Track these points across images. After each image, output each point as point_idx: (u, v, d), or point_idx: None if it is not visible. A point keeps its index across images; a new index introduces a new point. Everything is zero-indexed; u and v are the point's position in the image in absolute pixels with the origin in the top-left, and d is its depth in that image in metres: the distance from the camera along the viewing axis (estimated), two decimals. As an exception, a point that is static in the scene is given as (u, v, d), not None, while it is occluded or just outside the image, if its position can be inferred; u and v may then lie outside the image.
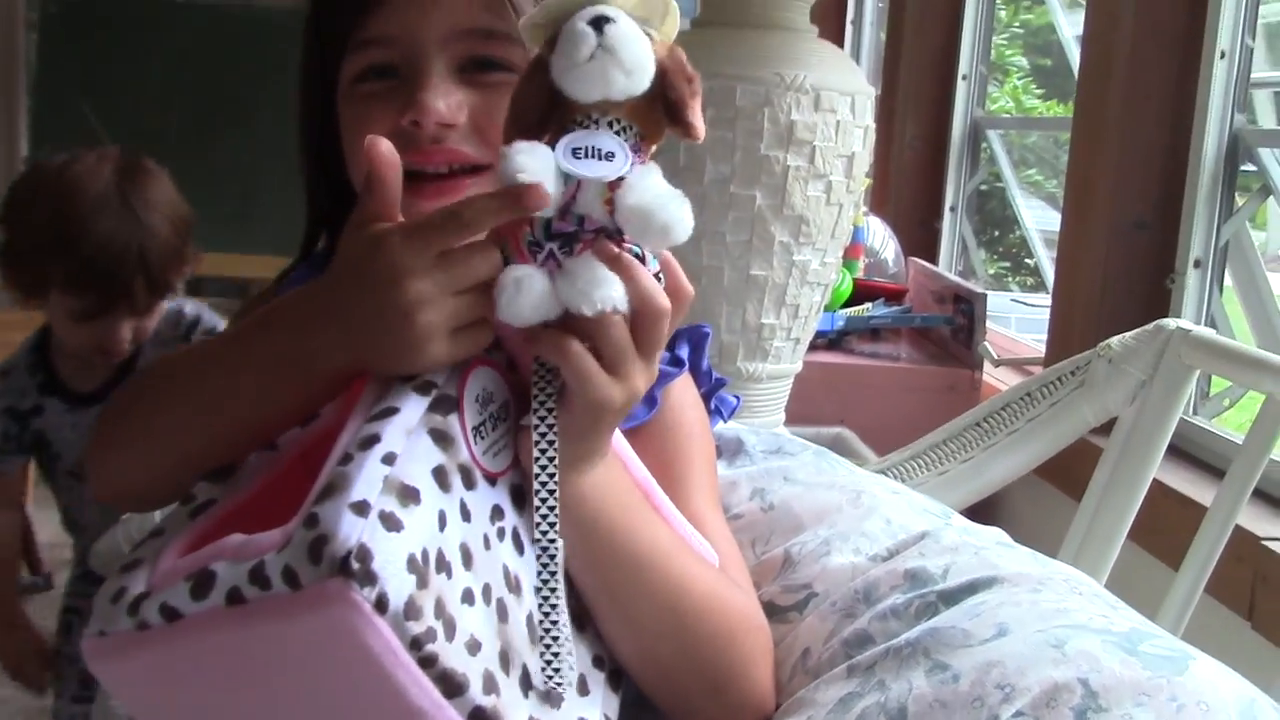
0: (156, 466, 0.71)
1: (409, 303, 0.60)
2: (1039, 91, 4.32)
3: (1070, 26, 2.75)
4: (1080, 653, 0.66)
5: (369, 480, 0.57)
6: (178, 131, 3.32)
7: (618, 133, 0.62)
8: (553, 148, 0.61)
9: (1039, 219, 3.28)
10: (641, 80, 0.61)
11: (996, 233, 4.04)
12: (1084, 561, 1.27)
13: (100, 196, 1.57)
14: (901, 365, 2.25)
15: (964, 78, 2.90)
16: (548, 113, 0.62)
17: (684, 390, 0.85)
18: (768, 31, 1.63)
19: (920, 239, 2.92)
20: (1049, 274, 2.72)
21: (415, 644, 0.56)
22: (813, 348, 2.17)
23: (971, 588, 0.75)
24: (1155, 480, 1.31)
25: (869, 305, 2.40)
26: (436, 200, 0.72)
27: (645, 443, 0.80)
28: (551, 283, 0.61)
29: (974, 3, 2.89)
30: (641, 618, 0.69)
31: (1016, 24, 4.06)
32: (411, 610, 0.55)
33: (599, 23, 0.60)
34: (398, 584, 0.55)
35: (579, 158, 0.60)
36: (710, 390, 0.89)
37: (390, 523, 0.56)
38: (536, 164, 0.60)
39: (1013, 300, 3.18)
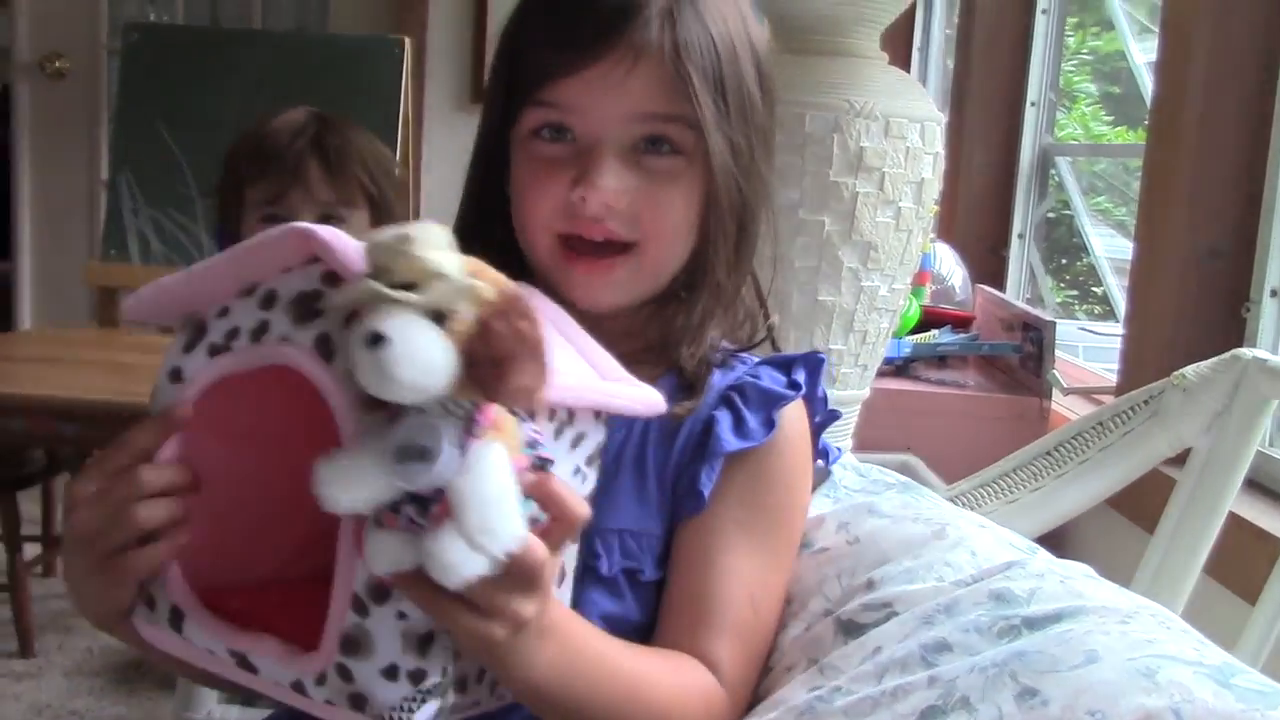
0: None
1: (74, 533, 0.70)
2: (1108, 118, 4.29)
3: (1141, 53, 2.73)
4: (1172, 682, 0.66)
5: (391, 642, 0.64)
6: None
7: (450, 413, 0.59)
8: (389, 424, 0.59)
9: (1108, 246, 3.24)
10: (434, 382, 0.57)
11: (1063, 260, 4.01)
12: (1157, 595, 1.26)
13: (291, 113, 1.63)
14: (969, 393, 2.23)
15: (1033, 104, 2.88)
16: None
17: (795, 418, 0.87)
18: (837, 58, 1.63)
19: (988, 266, 2.90)
20: (1118, 302, 2.69)
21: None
22: (879, 374, 2.16)
23: (1057, 616, 0.75)
24: (1231, 513, 1.29)
25: (936, 332, 2.39)
26: (587, 272, 0.81)
27: (748, 466, 0.83)
28: (414, 542, 0.59)
29: (1043, 29, 2.88)
30: None
31: (1085, 50, 4.03)
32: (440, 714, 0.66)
33: (374, 340, 0.56)
34: (427, 713, 0.65)
35: (400, 460, 0.58)
36: (824, 420, 0.91)
37: (416, 678, 0.65)
38: (346, 474, 0.59)
39: (1080, 329, 3.15)
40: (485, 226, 0.86)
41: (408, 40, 3.41)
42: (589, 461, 0.79)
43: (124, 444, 0.69)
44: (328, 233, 0.66)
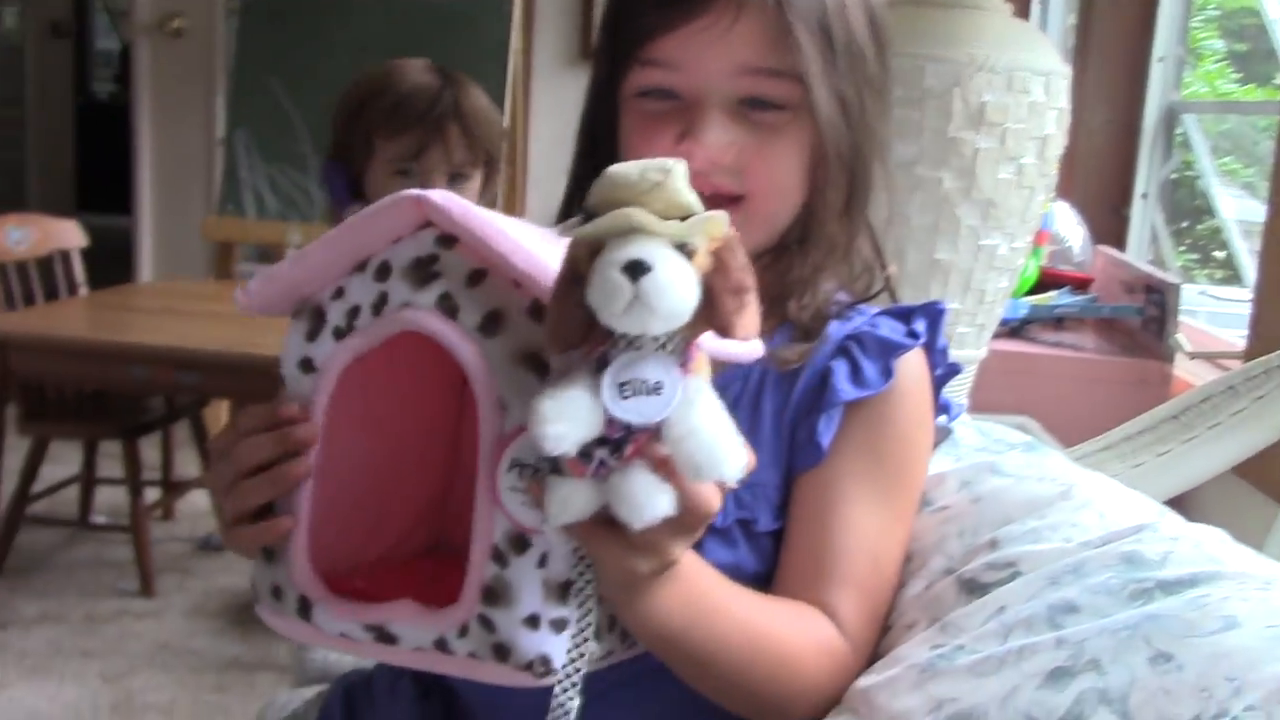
0: None
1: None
2: (1235, 76, 4.14)
3: (1273, 7, 2.61)
4: None
5: (532, 592, 0.64)
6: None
7: (663, 347, 0.58)
8: (595, 363, 0.58)
9: (1235, 208, 3.13)
10: (685, 312, 0.57)
11: (1185, 223, 3.89)
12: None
13: (417, 67, 1.66)
14: (1087, 356, 2.17)
15: (1160, 59, 2.78)
16: (589, 328, 0.59)
17: (914, 367, 0.85)
18: (958, 10, 1.59)
19: (1109, 226, 2.82)
20: (1244, 267, 2.60)
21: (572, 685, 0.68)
22: (995, 335, 2.12)
23: (1193, 580, 0.73)
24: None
25: (1054, 293, 2.33)
26: None
27: (867, 416, 0.82)
28: (598, 486, 0.60)
29: (1171, -18, 2.78)
30: (706, 686, 0.74)
31: (1212, 6, 3.89)
32: (575, 662, 0.67)
33: (634, 269, 0.55)
34: (565, 663, 0.66)
35: (625, 395, 0.58)
36: (945, 373, 0.88)
37: (558, 626, 0.65)
38: (564, 410, 0.58)
39: (1201, 293, 3.05)
40: None
41: (517, 1, 3.42)
42: None
43: (263, 414, 0.69)
44: (440, 196, 0.65)
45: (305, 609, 0.69)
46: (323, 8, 3.56)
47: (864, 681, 0.79)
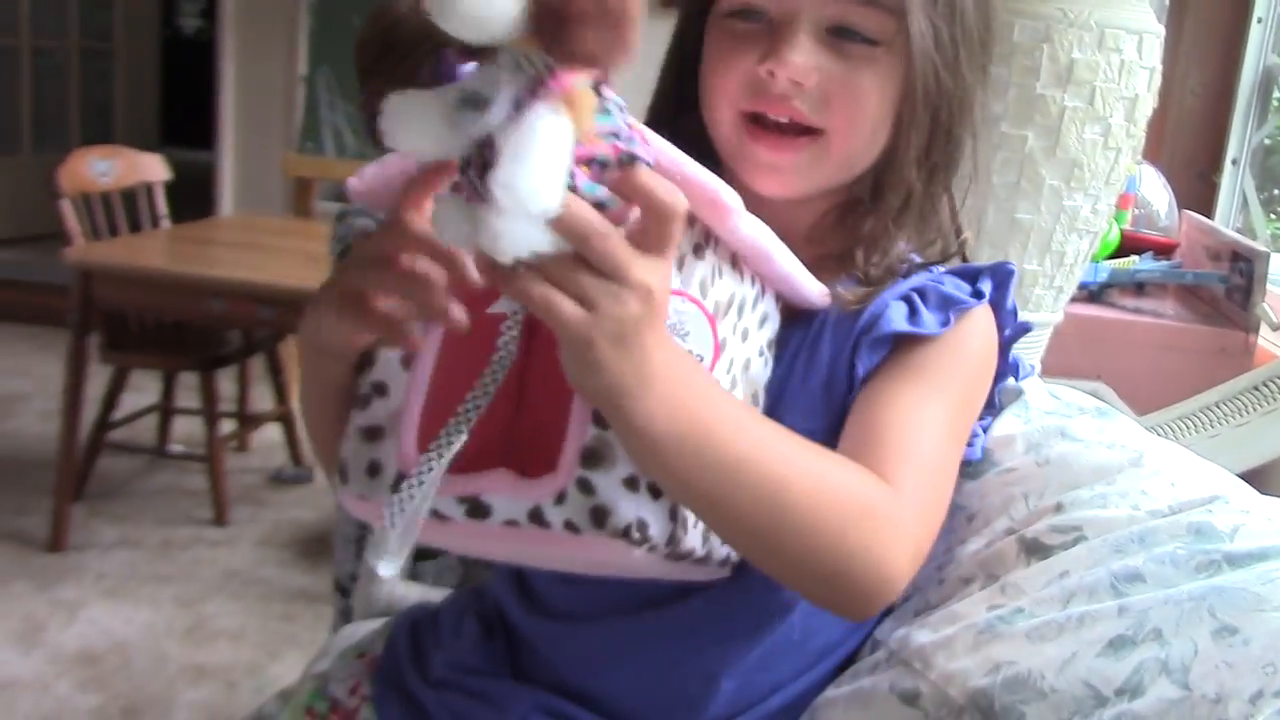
0: (327, 435, 0.77)
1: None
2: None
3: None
4: None
5: None
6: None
7: (517, 69, 0.54)
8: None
9: (1328, 178, 3.04)
10: (495, 16, 0.52)
11: (1276, 191, 3.78)
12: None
13: None
14: (1167, 322, 2.13)
15: (1259, 20, 2.69)
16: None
17: (978, 325, 0.82)
18: (1052, -36, 1.55)
19: (1196, 192, 2.74)
20: (1338, 236, 2.52)
21: (672, 553, 0.67)
22: (1073, 299, 2.08)
23: (1263, 554, 0.71)
24: None
25: (1136, 258, 2.27)
26: (771, 152, 0.79)
27: (919, 355, 0.78)
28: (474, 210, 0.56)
29: (1276, -61, 2.68)
30: (737, 518, 0.66)
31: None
32: (672, 542, 0.66)
33: None
34: (661, 531, 0.65)
35: (460, 108, 0.55)
36: (1014, 333, 0.86)
37: (655, 491, 0.65)
38: (408, 119, 0.56)
39: (1290, 264, 2.96)
40: (678, 117, 0.85)
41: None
42: (769, 345, 0.78)
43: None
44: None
45: (399, 487, 0.66)
46: (406, -53, 3.57)
47: (920, 637, 0.79)
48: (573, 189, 0.55)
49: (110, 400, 2.94)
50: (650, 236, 0.58)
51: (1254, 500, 0.80)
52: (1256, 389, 1.27)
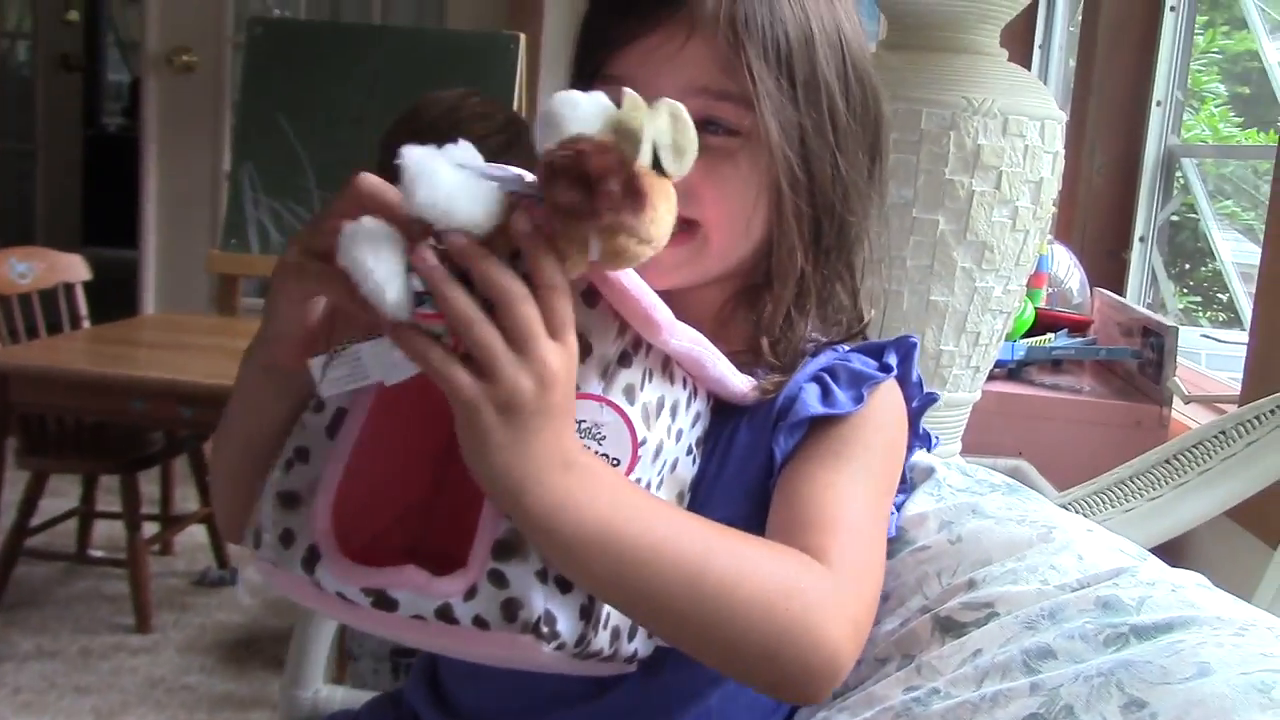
0: (239, 496, 0.78)
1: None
2: (1237, 120, 4.16)
3: (1275, 52, 2.63)
4: None
5: None
6: (370, 147, 3.45)
7: (526, 182, 0.61)
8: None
9: (1236, 251, 3.14)
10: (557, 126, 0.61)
11: (1187, 265, 3.90)
12: (1280, 610, 1.21)
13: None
14: (1084, 398, 2.17)
15: (1158, 104, 2.80)
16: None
17: (887, 398, 0.83)
18: (955, 55, 1.60)
19: (1107, 269, 2.82)
20: (1245, 310, 2.60)
21: (581, 653, 0.68)
22: (991, 377, 2.12)
23: (1168, 626, 0.72)
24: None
25: (1051, 336, 2.33)
26: None
27: (829, 430, 0.79)
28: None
29: (1171, 26, 2.79)
30: (656, 609, 0.66)
31: (1214, 50, 3.91)
32: (581, 642, 0.67)
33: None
34: (570, 630, 0.66)
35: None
36: (921, 405, 0.88)
37: (563, 584, 0.65)
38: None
39: (1203, 336, 3.06)
40: None
41: (523, 36, 3.45)
42: (698, 443, 0.79)
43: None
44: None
45: (311, 561, 0.68)
46: (328, 43, 3.60)
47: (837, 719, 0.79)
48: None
49: (28, 505, 2.87)
50: (550, 316, 0.60)
51: (1159, 572, 0.81)
52: (1168, 462, 1.30)
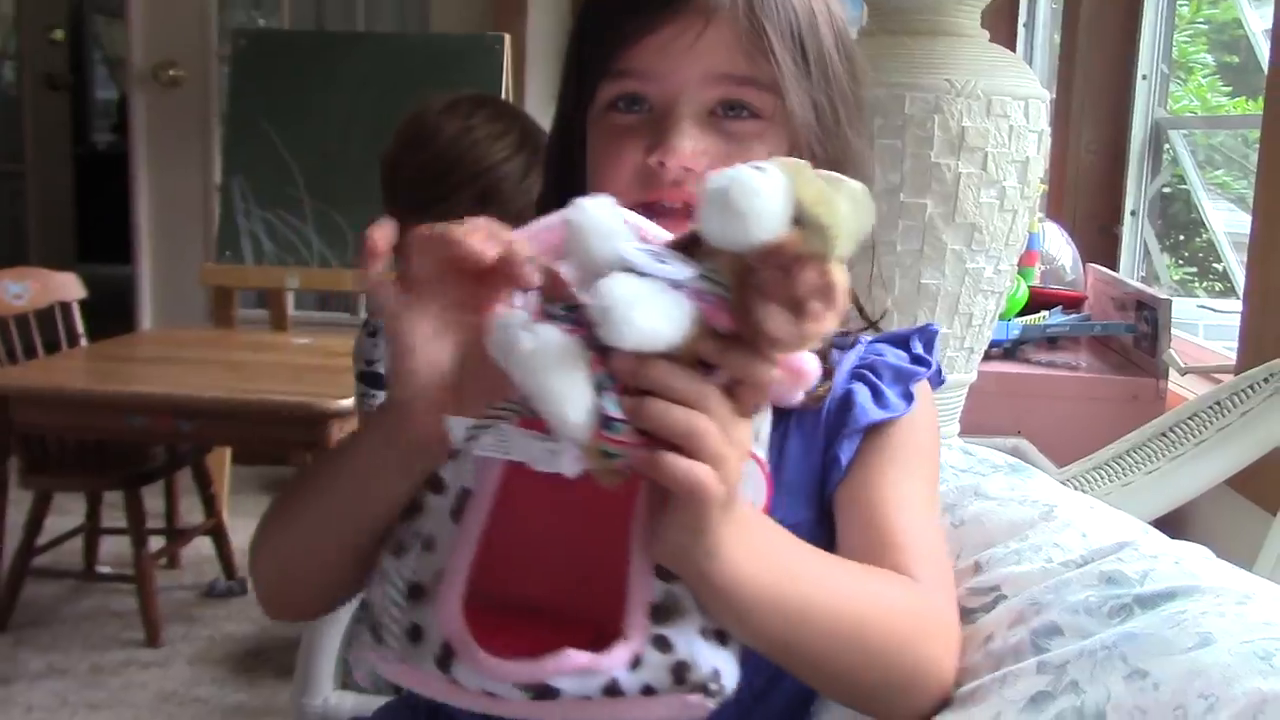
0: (310, 573, 0.76)
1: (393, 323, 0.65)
2: (1225, 89, 4.16)
3: (1259, 20, 2.63)
4: None
5: (695, 603, 0.64)
6: (359, 154, 3.45)
7: (699, 273, 0.57)
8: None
9: (1228, 221, 3.15)
10: (742, 226, 0.55)
11: (1182, 237, 3.90)
12: (1281, 577, 1.22)
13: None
14: (1081, 374, 2.18)
15: (1144, 78, 2.80)
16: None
17: (925, 393, 0.86)
18: (936, 38, 1.61)
19: (1100, 245, 2.83)
20: (1239, 278, 2.60)
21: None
22: (988, 357, 2.12)
23: (1171, 594, 0.73)
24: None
25: (1045, 313, 2.33)
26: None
27: (889, 438, 0.82)
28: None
29: (1155, 1, 2.80)
30: (815, 655, 0.69)
31: (1200, 19, 3.91)
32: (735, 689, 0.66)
33: (750, 172, 0.57)
34: (732, 680, 0.65)
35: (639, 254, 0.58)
36: (936, 388, 0.90)
37: (722, 637, 0.65)
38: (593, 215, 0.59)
39: (1199, 306, 3.07)
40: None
41: (508, 37, 3.45)
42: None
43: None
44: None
45: (445, 660, 0.63)
46: (313, 52, 3.60)
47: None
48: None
49: (34, 525, 2.87)
50: (743, 409, 0.60)
51: (1162, 545, 0.82)
52: (1164, 435, 1.30)
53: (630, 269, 0.57)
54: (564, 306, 0.59)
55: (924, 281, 1.59)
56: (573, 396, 0.56)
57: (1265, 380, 1.27)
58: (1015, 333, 2.22)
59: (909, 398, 0.82)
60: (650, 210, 0.78)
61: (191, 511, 3.29)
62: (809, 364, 0.67)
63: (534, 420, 0.58)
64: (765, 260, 0.56)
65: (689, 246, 0.60)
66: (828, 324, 0.58)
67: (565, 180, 0.85)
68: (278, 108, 3.49)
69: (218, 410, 2.49)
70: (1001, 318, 2.14)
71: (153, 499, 3.02)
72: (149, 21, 4.10)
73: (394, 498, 0.70)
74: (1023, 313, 2.32)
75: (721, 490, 0.59)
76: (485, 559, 0.65)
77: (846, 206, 0.58)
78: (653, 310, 0.56)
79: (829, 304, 0.57)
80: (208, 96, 4.11)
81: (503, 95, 3.37)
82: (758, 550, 0.64)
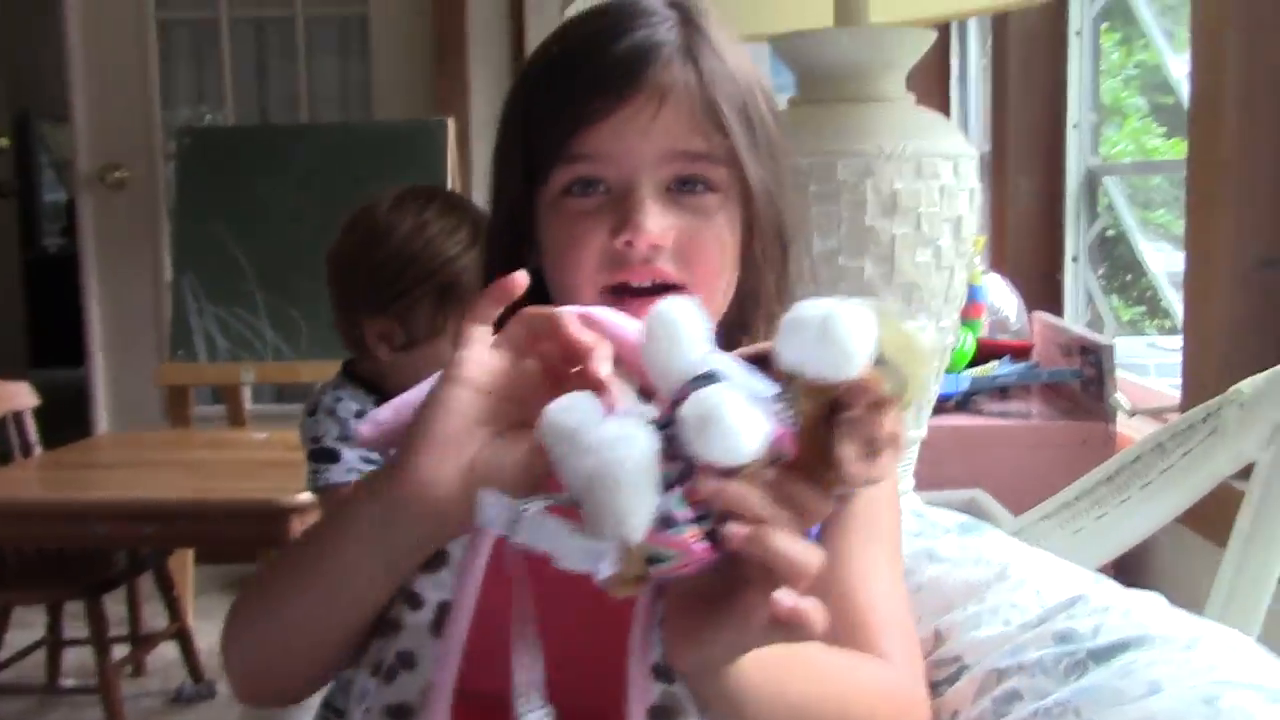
0: (294, 659, 0.75)
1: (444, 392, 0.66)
2: (1160, 130, 4.25)
3: (1180, 65, 2.70)
4: (1234, 708, 0.66)
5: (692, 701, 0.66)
6: (309, 245, 3.46)
7: (775, 393, 0.57)
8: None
9: (1168, 261, 3.20)
10: (838, 358, 0.55)
11: (1129, 277, 3.95)
12: (1234, 609, 1.23)
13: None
14: (1033, 423, 2.21)
15: (1074, 126, 2.87)
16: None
17: None
18: (864, 104, 1.64)
19: (1043, 292, 2.88)
20: (1180, 317, 2.65)
21: None
22: (942, 411, 2.15)
23: (1122, 646, 0.75)
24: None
25: (994, 364, 2.37)
26: (642, 312, 0.77)
27: (848, 505, 0.83)
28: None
29: (1077, 51, 2.87)
30: None
31: (1132, 65, 4.01)
32: None
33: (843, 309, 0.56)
34: None
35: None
36: None
37: None
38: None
39: (1150, 346, 3.12)
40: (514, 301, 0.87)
41: (451, 121, 3.49)
42: None
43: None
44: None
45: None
46: (258, 146, 3.62)
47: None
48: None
49: (-7, 641, 2.82)
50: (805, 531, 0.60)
51: (1112, 596, 0.84)
52: (1110, 480, 1.32)
53: (714, 378, 0.57)
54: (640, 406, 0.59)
55: (869, 342, 1.61)
56: (643, 501, 0.55)
57: (1203, 420, 1.30)
58: (965, 385, 2.25)
59: None
60: (620, 291, 0.79)
61: (155, 616, 3.24)
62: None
63: (568, 509, 0.57)
64: (853, 397, 0.56)
65: (759, 364, 0.59)
66: (888, 470, 0.58)
67: (513, 260, 0.84)
68: (225, 203, 3.50)
69: (179, 512, 2.47)
70: (951, 371, 2.17)
71: (115, 605, 2.98)
72: (94, 124, 4.11)
73: (383, 584, 0.69)
74: (972, 365, 2.35)
75: (821, 620, 0.58)
76: (472, 664, 0.65)
77: (921, 352, 0.60)
78: (746, 424, 0.55)
79: (897, 449, 0.57)
80: (155, 195, 4.12)
81: (448, 179, 3.40)
82: (762, 653, 0.64)
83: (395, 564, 0.69)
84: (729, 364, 0.58)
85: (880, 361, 0.57)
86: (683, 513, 0.55)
